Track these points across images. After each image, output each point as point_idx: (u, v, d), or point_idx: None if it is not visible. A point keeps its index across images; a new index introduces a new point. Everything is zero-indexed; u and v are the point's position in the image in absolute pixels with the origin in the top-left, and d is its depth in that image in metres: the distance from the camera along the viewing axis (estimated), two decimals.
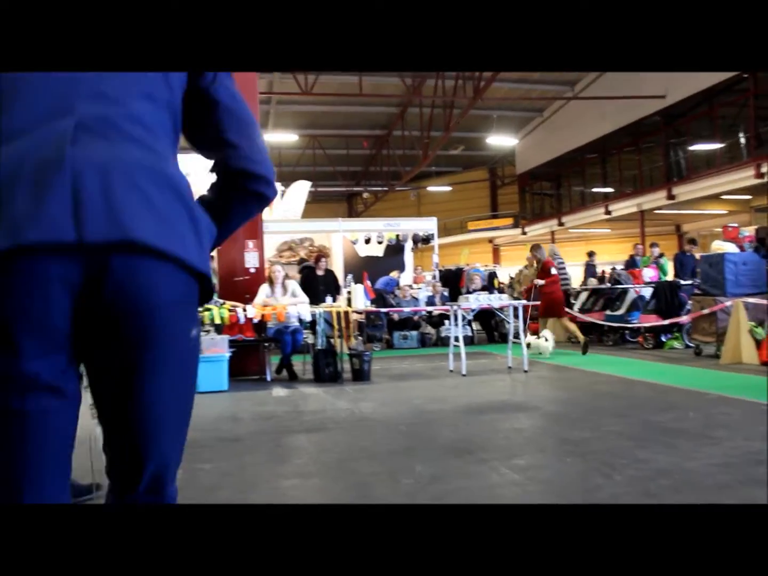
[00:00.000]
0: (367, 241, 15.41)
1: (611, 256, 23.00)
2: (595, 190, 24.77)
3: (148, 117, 1.29)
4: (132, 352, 1.20)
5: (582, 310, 12.28)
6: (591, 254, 15.09)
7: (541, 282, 10.40)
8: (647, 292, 11.12)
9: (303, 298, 8.52)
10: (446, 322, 11.66)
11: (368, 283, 12.39)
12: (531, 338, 8.56)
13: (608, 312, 11.50)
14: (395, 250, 15.66)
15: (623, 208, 22.33)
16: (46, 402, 1.18)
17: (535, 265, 11.44)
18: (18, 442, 1.17)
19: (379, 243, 15.49)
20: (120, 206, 1.14)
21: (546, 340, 8.36)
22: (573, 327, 10.47)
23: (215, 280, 10.27)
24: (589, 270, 14.53)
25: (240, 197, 1.45)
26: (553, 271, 10.43)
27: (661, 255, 13.09)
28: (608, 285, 12.59)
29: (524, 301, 8.92)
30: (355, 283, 10.36)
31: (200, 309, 7.97)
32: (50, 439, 1.20)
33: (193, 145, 1.46)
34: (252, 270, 8.90)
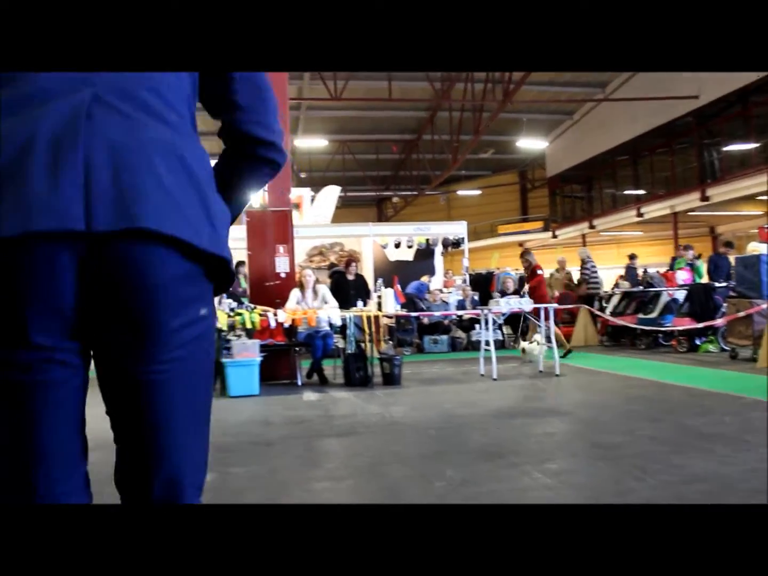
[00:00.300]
0: (397, 246, 15.43)
1: (643, 259, 22.72)
2: (626, 192, 24.50)
3: (169, 89, 1.26)
4: (139, 331, 1.18)
5: (614, 314, 12.16)
6: (632, 257, 14.69)
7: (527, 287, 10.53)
8: (681, 294, 10.97)
9: (333, 302, 8.56)
10: (477, 326, 11.62)
11: (398, 287, 12.40)
12: (524, 344, 8.61)
13: (641, 315, 11.37)
14: (425, 254, 15.66)
15: (656, 210, 22.05)
16: (53, 374, 1.18)
17: (559, 271, 11.43)
18: (29, 413, 1.17)
19: (409, 247, 15.50)
20: (129, 192, 1.13)
21: (538, 343, 8.43)
22: (558, 332, 10.55)
23: (245, 285, 10.37)
24: (630, 273, 14.23)
25: (249, 163, 1.42)
26: (539, 272, 10.46)
27: (698, 257, 12.88)
28: (640, 288, 12.44)
29: (555, 305, 8.86)
30: (386, 287, 10.37)
31: (231, 313, 8.09)
32: (59, 410, 1.20)
33: (203, 105, 1.42)
34: (282, 275, 8.95)
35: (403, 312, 11.21)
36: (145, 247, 1.15)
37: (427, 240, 15.51)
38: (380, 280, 11.07)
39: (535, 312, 8.73)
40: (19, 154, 1.13)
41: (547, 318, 8.49)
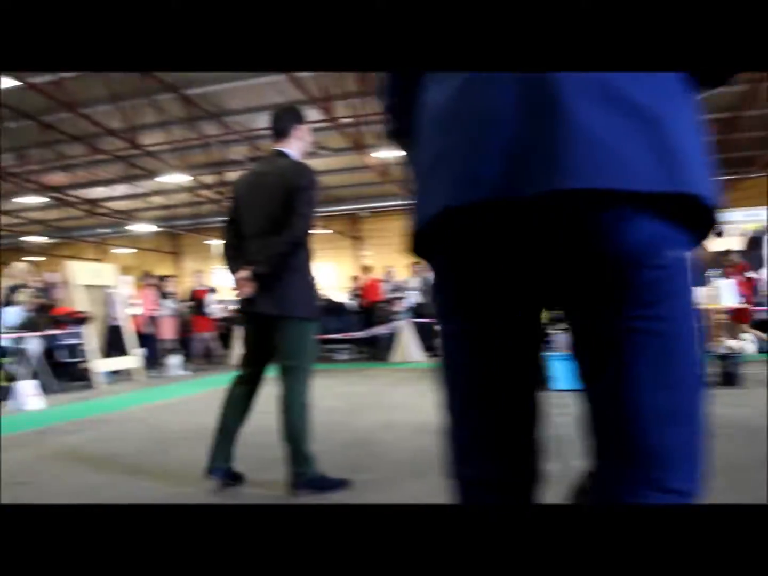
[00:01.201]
0: (721, 235, 14.17)
1: None
2: None
3: None
4: (605, 286, 1.08)
5: None
6: None
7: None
8: None
9: None
10: None
11: (738, 278, 11.30)
12: (731, 342, 7.40)
13: None
14: (756, 243, 14.19)
15: None
16: (492, 339, 1.20)
17: None
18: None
19: (736, 236, 14.17)
20: (540, 149, 1.01)
21: (745, 341, 7.19)
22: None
23: None
24: None
25: None
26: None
27: None
28: None
29: None
30: (719, 278, 9.56)
31: None
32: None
33: None
34: None
35: (740, 305, 10.22)
36: (572, 207, 1.03)
37: (761, 227, 14.03)
38: (713, 272, 10.24)
39: None
40: (440, 125, 1.12)
41: None
